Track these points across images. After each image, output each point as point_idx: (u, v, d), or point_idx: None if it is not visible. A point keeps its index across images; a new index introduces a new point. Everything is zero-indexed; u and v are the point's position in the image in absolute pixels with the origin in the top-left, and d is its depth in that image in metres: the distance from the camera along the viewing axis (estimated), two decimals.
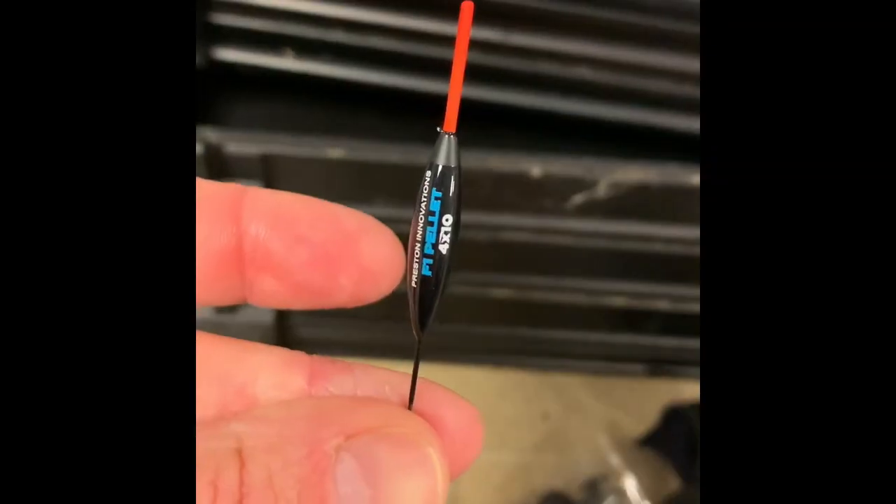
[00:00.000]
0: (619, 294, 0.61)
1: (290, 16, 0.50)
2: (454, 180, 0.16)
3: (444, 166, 0.16)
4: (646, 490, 0.64)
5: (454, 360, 0.69)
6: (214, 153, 0.44)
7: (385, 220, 0.51)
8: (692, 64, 0.49)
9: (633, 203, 0.51)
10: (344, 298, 0.19)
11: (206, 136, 0.46)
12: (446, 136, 0.16)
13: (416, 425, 0.17)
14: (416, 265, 0.17)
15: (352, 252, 0.19)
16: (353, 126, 0.53)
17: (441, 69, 0.52)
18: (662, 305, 0.61)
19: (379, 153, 0.46)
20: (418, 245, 0.17)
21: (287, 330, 0.59)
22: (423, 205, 0.17)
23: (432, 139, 0.48)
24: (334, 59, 0.52)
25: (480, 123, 0.54)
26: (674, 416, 0.65)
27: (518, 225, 0.53)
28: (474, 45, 0.49)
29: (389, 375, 0.19)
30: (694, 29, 0.47)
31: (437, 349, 0.68)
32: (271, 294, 0.19)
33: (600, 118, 0.53)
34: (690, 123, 0.52)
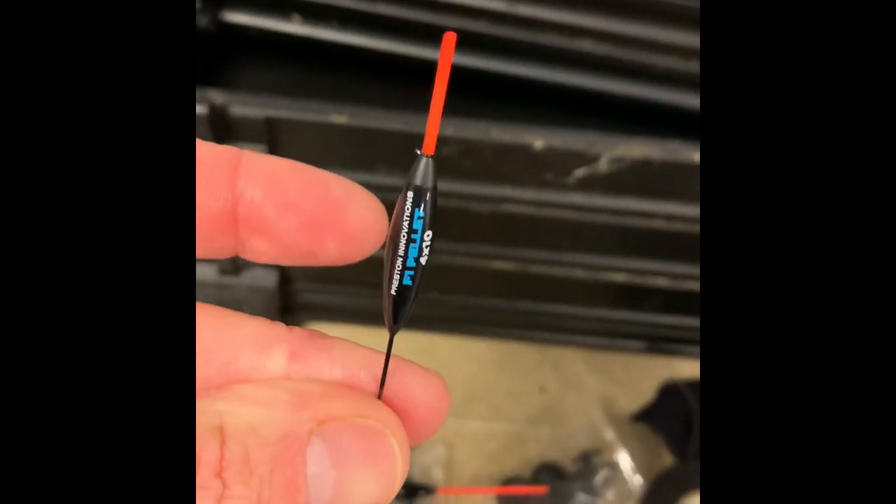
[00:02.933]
0: (619, 270, 0.61)
1: None
2: (432, 200, 0.18)
3: (424, 188, 0.17)
4: (638, 465, 0.65)
5: (454, 331, 0.70)
6: (219, 115, 0.45)
7: (385, 188, 0.51)
8: (697, 40, 0.49)
9: (634, 178, 0.51)
10: (330, 259, 0.20)
11: (212, 97, 0.46)
12: (425, 158, 0.17)
13: (382, 417, 0.19)
14: (396, 275, 0.18)
15: (339, 218, 0.20)
16: (357, 93, 0.53)
17: None
18: (662, 283, 0.62)
19: (382, 121, 0.46)
20: (400, 259, 0.18)
21: (290, 295, 0.60)
22: (405, 224, 0.18)
23: None
24: (342, 25, 0.52)
25: (483, 94, 0.54)
26: (669, 392, 0.66)
27: (519, 198, 0.53)
28: (480, 14, 0.50)
29: (366, 359, 0.20)
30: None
31: (437, 319, 0.69)
32: (262, 253, 0.20)
33: (604, 92, 0.53)
34: (694, 100, 0.52)
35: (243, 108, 0.45)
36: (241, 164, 0.19)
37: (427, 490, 0.60)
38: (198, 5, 0.50)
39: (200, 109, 0.44)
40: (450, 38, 0.15)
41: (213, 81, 0.48)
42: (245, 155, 0.19)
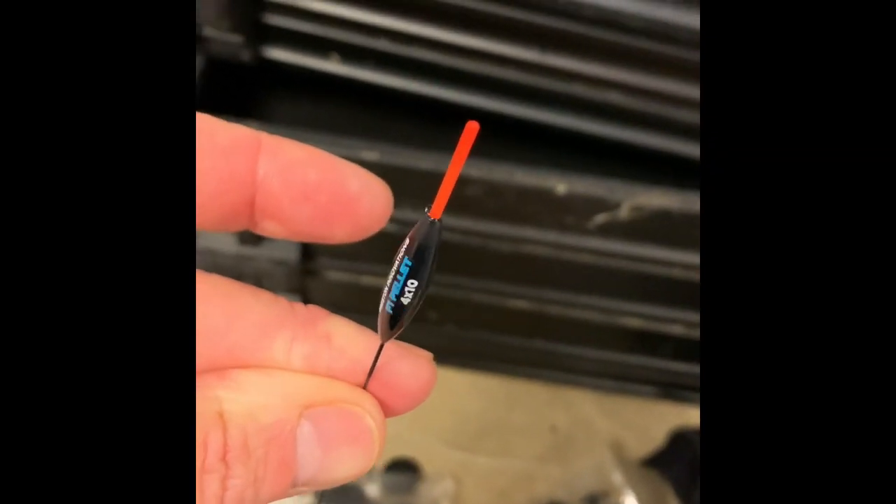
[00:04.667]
0: (635, 315, 0.62)
1: (338, 22, 0.52)
2: (430, 258, 0.19)
3: (423, 246, 0.19)
4: None
5: (468, 366, 0.71)
6: None
7: (411, 223, 0.52)
8: None
9: (653, 227, 0.52)
10: (336, 241, 0.22)
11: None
12: (430, 221, 0.19)
13: (364, 403, 0.21)
14: (383, 300, 0.20)
15: (351, 210, 0.21)
16: (389, 131, 0.55)
17: (478, 84, 0.54)
18: (676, 330, 0.62)
19: (411, 160, 0.48)
20: (386, 289, 0.20)
21: (309, 272, 0.59)
22: (395, 265, 0.20)
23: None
24: (377, 66, 0.54)
25: (510, 137, 0.55)
26: (679, 439, 0.66)
27: (539, 239, 0.54)
28: (511, 62, 0.51)
29: (363, 349, 0.21)
30: None
31: (452, 353, 0.70)
32: (272, 232, 0.21)
33: (628, 142, 0.54)
34: None
35: None
36: (260, 150, 0.20)
37: None
38: (240, 40, 0.52)
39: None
40: (472, 128, 0.17)
41: (250, 114, 0.50)
42: (264, 139, 0.20)
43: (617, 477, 0.67)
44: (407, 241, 0.19)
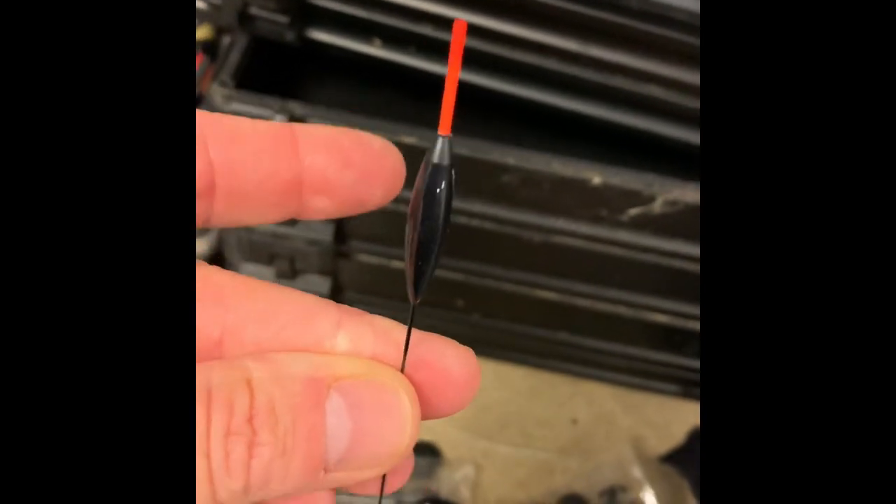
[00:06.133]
0: (662, 311, 0.62)
1: (382, 6, 0.52)
2: (447, 177, 0.19)
3: (438, 165, 0.19)
4: None
5: (492, 356, 0.71)
6: None
7: None
8: None
9: (687, 222, 0.52)
10: (374, 204, 0.23)
11: (291, 108, 0.49)
12: (440, 137, 0.19)
13: (394, 375, 0.21)
14: (416, 247, 0.20)
15: (382, 167, 0.22)
16: (427, 116, 0.55)
17: (518, 72, 0.54)
18: None
19: None
20: (418, 231, 0.20)
21: (342, 254, 0.61)
22: (413, 199, 0.20)
23: (501, 137, 0.50)
24: (419, 51, 0.54)
25: (549, 127, 0.56)
26: (699, 438, 0.66)
27: (572, 230, 0.55)
28: (553, 52, 0.52)
29: (404, 336, 0.21)
30: None
31: (477, 342, 0.70)
32: (321, 210, 0.22)
33: (665, 136, 0.54)
34: None
35: (321, 121, 0.48)
36: (297, 136, 0.21)
37: None
38: (285, 21, 0.53)
39: (281, 119, 0.47)
40: (460, 26, 0.17)
41: (294, 94, 0.51)
42: (296, 127, 0.22)
43: (636, 472, 0.67)
44: (421, 167, 0.19)
